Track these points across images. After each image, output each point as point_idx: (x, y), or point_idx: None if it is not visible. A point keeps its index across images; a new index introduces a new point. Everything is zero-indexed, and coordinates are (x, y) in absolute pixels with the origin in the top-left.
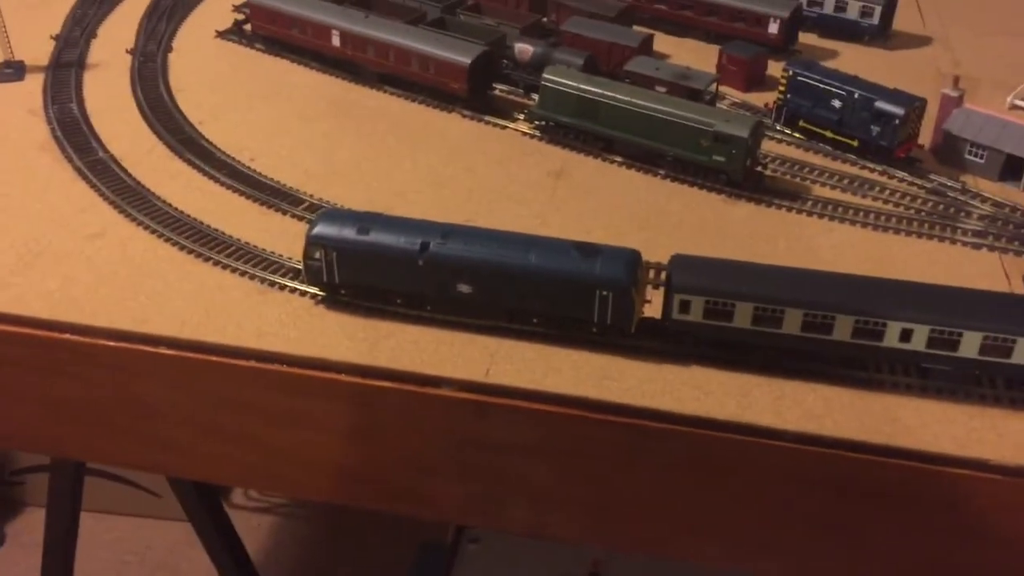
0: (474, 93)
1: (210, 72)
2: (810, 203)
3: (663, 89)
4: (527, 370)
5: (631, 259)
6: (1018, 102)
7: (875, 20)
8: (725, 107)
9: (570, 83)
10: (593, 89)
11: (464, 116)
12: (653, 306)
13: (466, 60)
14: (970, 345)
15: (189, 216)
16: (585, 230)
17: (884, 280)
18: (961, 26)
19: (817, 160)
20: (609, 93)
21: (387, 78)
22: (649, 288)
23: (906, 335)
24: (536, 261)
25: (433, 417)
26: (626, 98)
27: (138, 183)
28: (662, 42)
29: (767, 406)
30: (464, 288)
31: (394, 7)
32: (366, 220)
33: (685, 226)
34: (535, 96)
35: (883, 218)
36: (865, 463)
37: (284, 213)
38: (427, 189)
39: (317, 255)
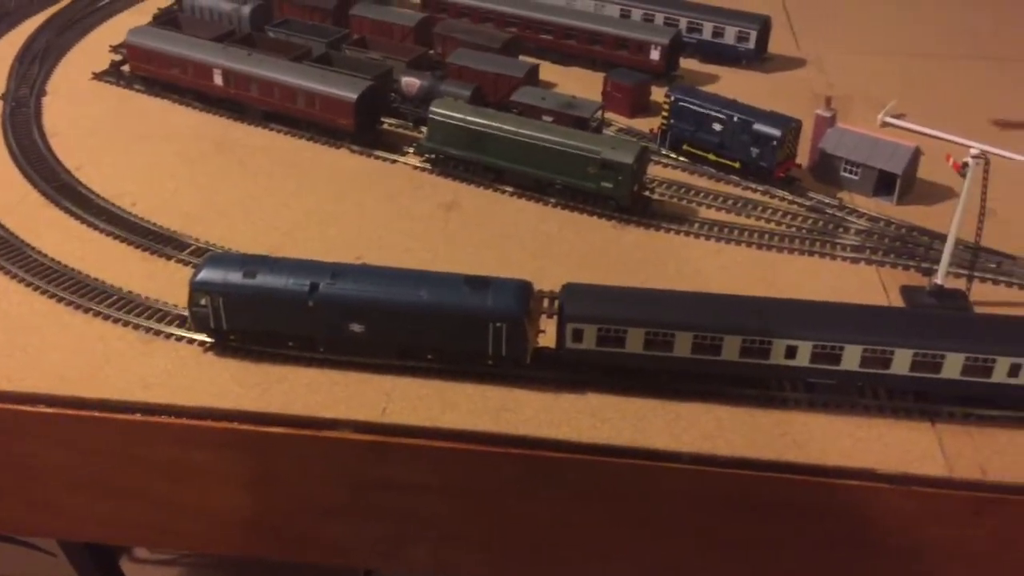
0: (362, 128)
1: (87, 115)
2: (697, 225)
3: (550, 118)
4: (424, 407)
5: (522, 290)
6: (889, 119)
7: (751, 44)
8: (612, 134)
9: (457, 115)
10: (480, 121)
11: (353, 152)
12: (548, 335)
13: (352, 95)
14: (851, 358)
15: (66, 266)
16: (478, 262)
17: (768, 300)
18: (833, 47)
19: (702, 183)
20: (496, 124)
21: (273, 116)
22: (544, 317)
23: (791, 352)
24: (427, 297)
25: (331, 460)
26: (513, 129)
27: (10, 234)
28: (549, 71)
29: (663, 429)
30: (356, 328)
31: (278, 44)
32: (252, 263)
33: (577, 253)
34: (424, 129)
35: (766, 237)
36: (759, 480)
37: (168, 258)
38: (316, 227)
39: (203, 301)
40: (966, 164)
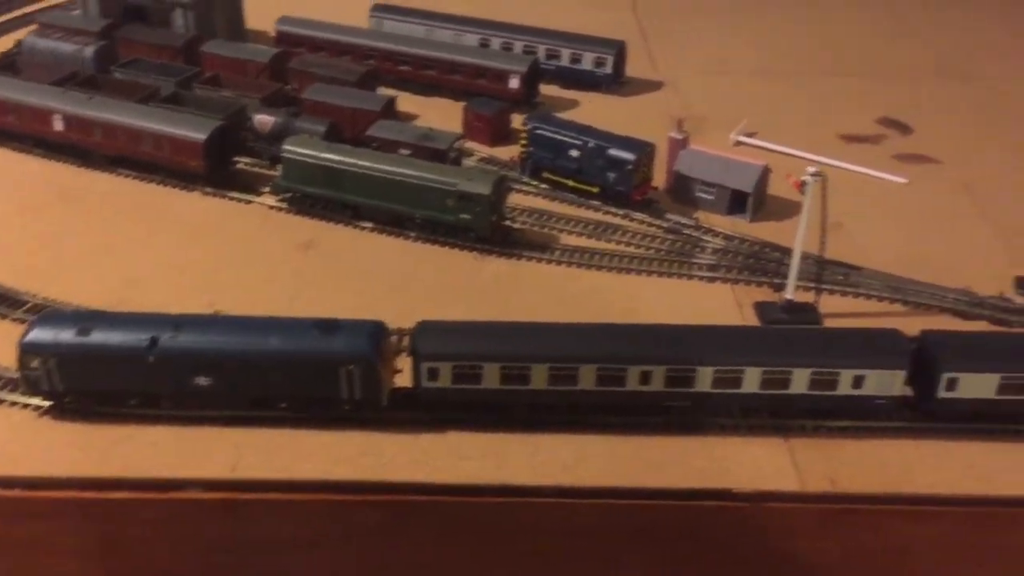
0: (214, 169)
1: None
2: (558, 252)
3: (407, 152)
4: (277, 459)
5: (375, 331)
6: (741, 138)
7: (608, 69)
8: (473, 163)
9: (312, 153)
10: (336, 157)
11: (206, 194)
12: (405, 375)
13: (201, 136)
14: (704, 380)
15: None
16: (337, 302)
17: (622, 326)
18: (689, 69)
19: (562, 209)
20: (352, 160)
21: (119, 160)
22: (404, 356)
23: (646, 377)
24: (275, 344)
25: (180, 522)
26: (369, 164)
27: None
28: (409, 102)
29: (524, 463)
30: (202, 381)
31: (124, 85)
32: (87, 320)
33: (438, 288)
34: (280, 167)
35: (626, 260)
36: (620, 508)
37: (3, 317)
38: (166, 275)
39: (35, 363)
40: (805, 182)
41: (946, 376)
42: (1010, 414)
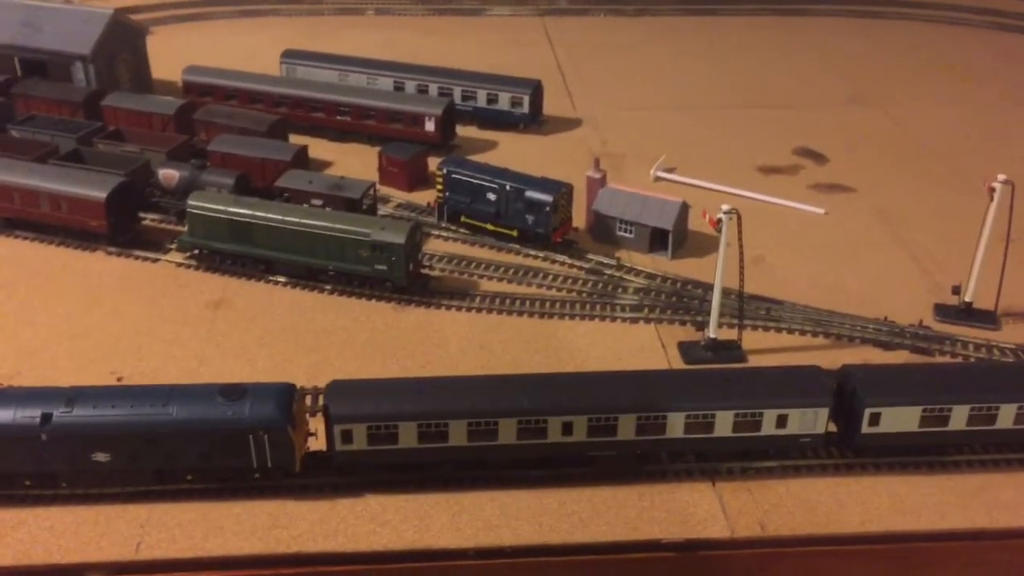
0: (117, 228)
1: None
2: (478, 299)
3: (319, 202)
4: (184, 536)
5: (285, 394)
6: (661, 173)
7: (525, 109)
8: (390, 209)
9: (218, 207)
10: (243, 211)
11: (109, 253)
12: (320, 437)
13: (101, 195)
14: (627, 428)
15: None
16: (248, 363)
17: (541, 376)
18: (607, 105)
19: (482, 253)
20: (261, 213)
21: (16, 222)
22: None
23: (568, 428)
24: (178, 414)
25: None
26: (279, 216)
27: None
28: (324, 149)
29: (446, 525)
30: (101, 457)
31: (20, 143)
32: None
33: (355, 342)
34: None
35: (547, 304)
36: (547, 565)
37: None
38: (65, 344)
39: None
40: (720, 220)
41: (868, 411)
42: (932, 446)
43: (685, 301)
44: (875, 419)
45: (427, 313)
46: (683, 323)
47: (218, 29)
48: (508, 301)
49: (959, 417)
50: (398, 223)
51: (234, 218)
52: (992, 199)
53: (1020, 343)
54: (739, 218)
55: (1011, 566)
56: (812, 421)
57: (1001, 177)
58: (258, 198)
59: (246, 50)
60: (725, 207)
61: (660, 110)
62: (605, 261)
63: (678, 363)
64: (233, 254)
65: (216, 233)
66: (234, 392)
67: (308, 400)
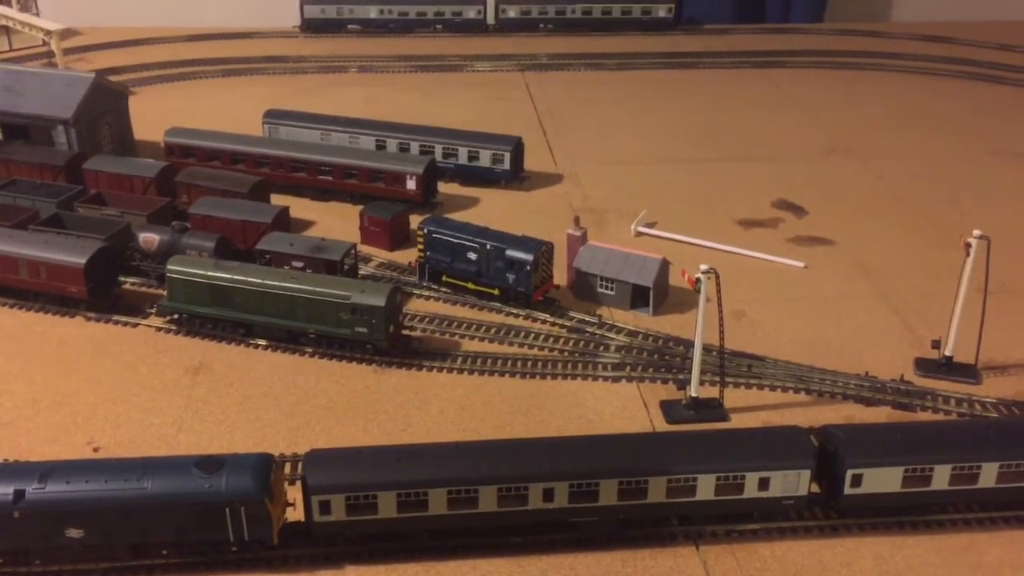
0: (96, 293)
1: None
2: (460, 359)
3: (300, 264)
4: None
5: (262, 465)
6: (642, 228)
7: (506, 165)
8: (372, 268)
9: (198, 271)
10: (223, 275)
11: (88, 319)
12: (299, 507)
13: (80, 261)
14: (608, 493)
15: None
16: (228, 430)
17: (521, 441)
18: (587, 161)
19: (464, 313)
20: (240, 277)
21: None
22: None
23: (548, 494)
24: (153, 488)
25: None
26: (259, 280)
27: None
28: (305, 209)
29: None
30: (75, 533)
31: (1, 209)
32: None
33: (336, 406)
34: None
35: (529, 364)
36: None
37: None
38: (42, 413)
39: None
40: (698, 279)
41: (851, 472)
42: (915, 506)
43: (667, 359)
44: (857, 480)
45: (408, 375)
46: (665, 381)
47: (201, 89)
48: (490, 361)
49: (941, 476)
50: (378, 285)
51: (214, 282)
52: (968, 254)
53: (1001, 397)
54: (717, 276)
55: None
56: (795, 483)
57: (976, 232)
58: (238, 261)
59: (229, 110)
60: (703, 267)
61: (641, 164)
62: (587, 319)
63: (660, 422)
64: (213, 318)
65: (196, 297)
66: (210, 465)
67: (287, 468)
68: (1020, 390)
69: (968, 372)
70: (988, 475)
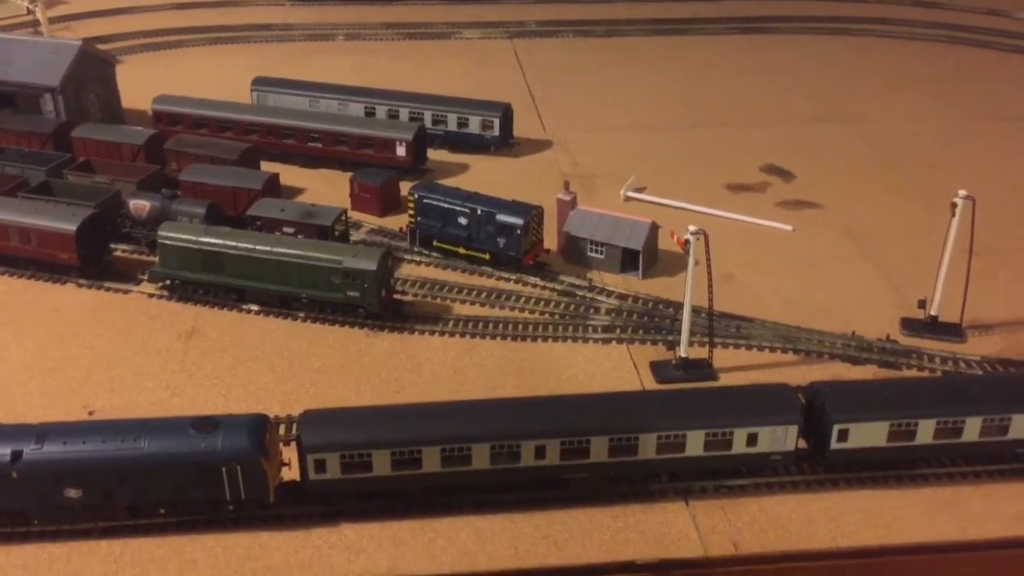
0: (87, 260)
1: None
2: (451, 323)
3: (291, 230)
4: (158, 571)
5: (257, 426)
6: (631, 193)
7: (496, 132)
8: (362, 236)
9: (189, 237)
10: (215, 241)
11: (80, 286)
12: (294, 467)
13: (71, 227)
14: (599, 449)
15: None
16: (222, 393)
17: (513, 400)
18: (576, 127)
19: (455, 277)
20: (232, 243)
21: None
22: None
23: (541, 452)
24: (150, 448)
25: None
26: (250, 245)
27: None
28: (295, 176)
29: (421, 551)
30: (73, 493)
31: None
32: None
33: (328, 369)
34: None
35: (520, 327)
36: None
37: None
38: (36, 378)
39: None
40: (687, 240)
41: (837, 427)
42: (900, 460)
43: (656, 321)
44: (843, 435)
45: (400, 338)
46: (655, 343)
47: (188, 57)
48: (481, 324)
49: (926, 431)
50: (370, 250)
51: (205, 248)
52: (954, 215)
53: (985, 355)
54: (706, 238)
55: None
56: (782, 439)
57: (962, 193)
58: (229, 227)
59: (217, 78)
60: (692, 228)
61: (629, 130)
62: (577, 282)
63: (650, 383)
64: (205, 284)
65: (187, 263)
66: (206, 425)
67: (282, 429)
68: (1004, 348)
69: (953, 331)
70: (972, 429)
